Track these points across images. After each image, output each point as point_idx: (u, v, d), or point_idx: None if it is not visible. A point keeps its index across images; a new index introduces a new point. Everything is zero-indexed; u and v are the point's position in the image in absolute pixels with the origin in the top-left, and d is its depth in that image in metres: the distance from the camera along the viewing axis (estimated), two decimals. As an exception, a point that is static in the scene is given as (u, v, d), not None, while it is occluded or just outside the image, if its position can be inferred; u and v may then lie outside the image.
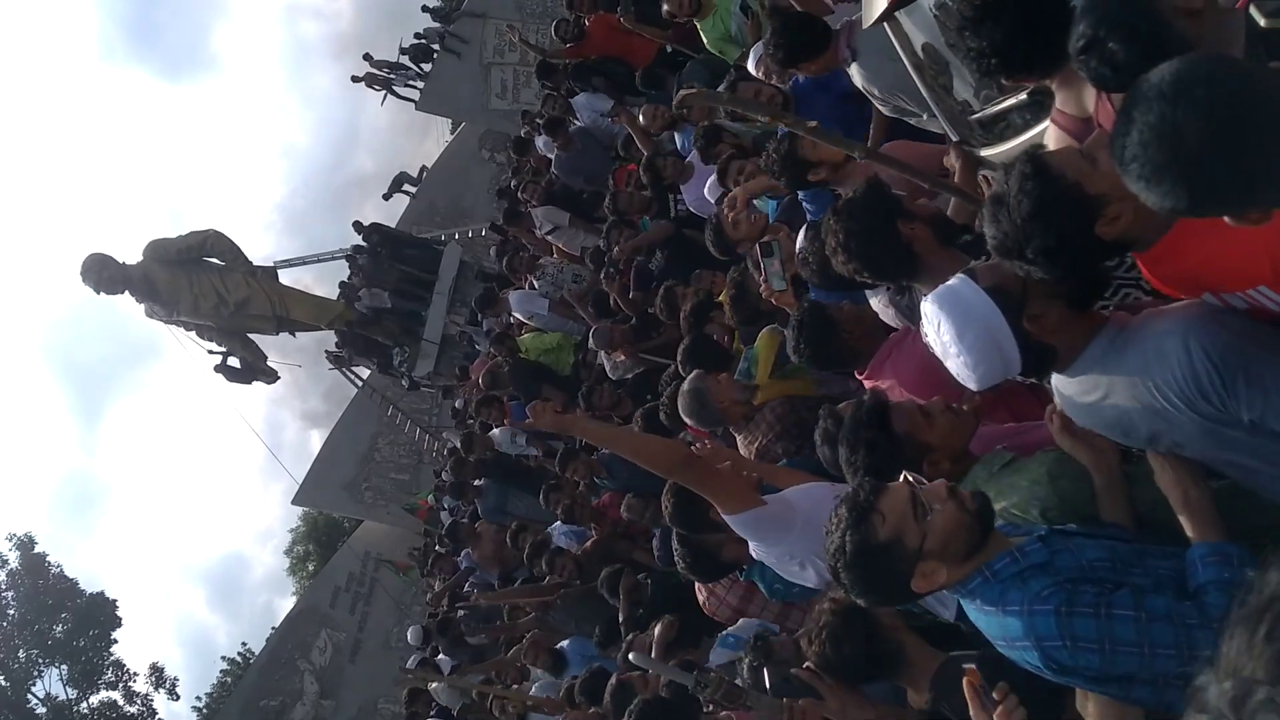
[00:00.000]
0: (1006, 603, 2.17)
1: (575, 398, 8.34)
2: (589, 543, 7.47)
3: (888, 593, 2.30)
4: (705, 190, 6.43)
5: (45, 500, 76.14)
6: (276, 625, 24.06)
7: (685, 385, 4.63)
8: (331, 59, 72.35)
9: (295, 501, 23.81)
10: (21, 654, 28.93)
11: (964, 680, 2.25)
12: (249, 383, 16.87)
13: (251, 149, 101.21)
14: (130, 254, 15.93)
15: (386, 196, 24.21)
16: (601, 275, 7.81)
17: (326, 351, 18.45)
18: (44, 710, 28.89)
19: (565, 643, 8.08)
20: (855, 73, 4.41)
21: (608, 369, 8.06)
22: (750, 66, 5.59)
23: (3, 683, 28.42)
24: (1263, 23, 1.85)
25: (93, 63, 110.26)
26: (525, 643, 8.24)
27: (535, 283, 10.15)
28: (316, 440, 26.03)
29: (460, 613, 10.45)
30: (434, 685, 10.94)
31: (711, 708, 3.75)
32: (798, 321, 3.65)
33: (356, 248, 17.82)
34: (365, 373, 19.55)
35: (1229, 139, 1.57)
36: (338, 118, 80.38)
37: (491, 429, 10.63)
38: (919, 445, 2.76)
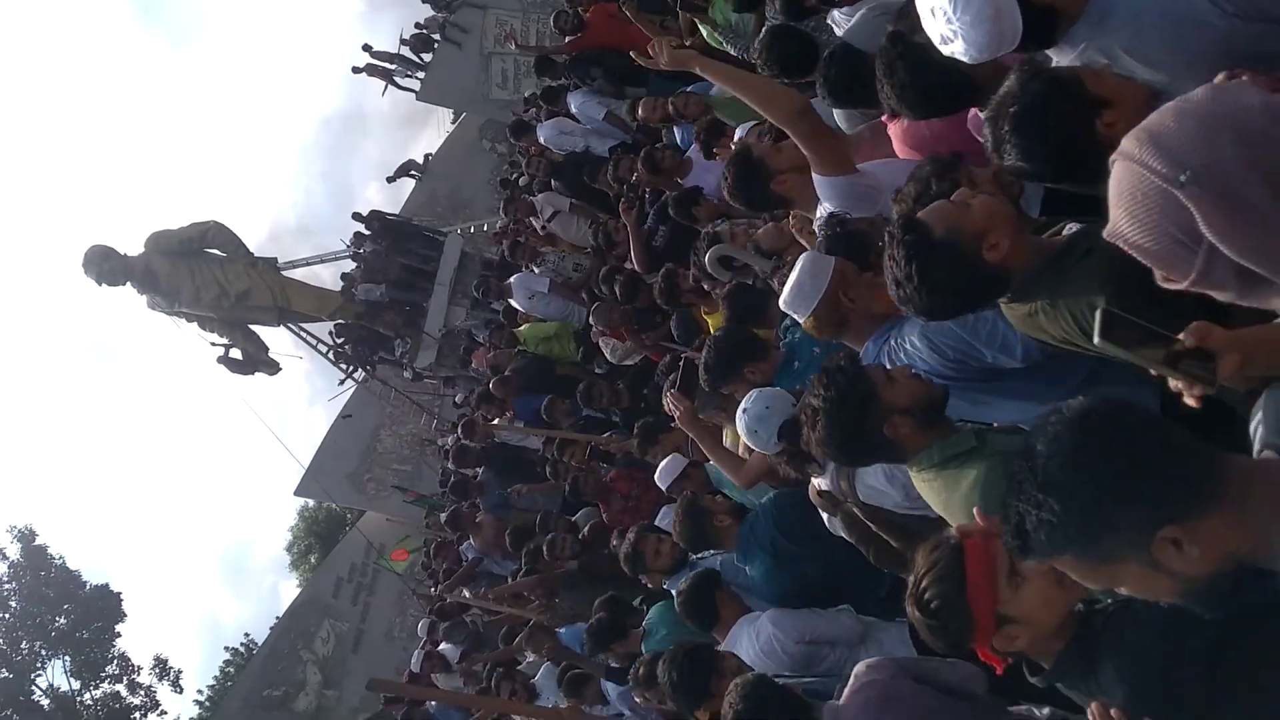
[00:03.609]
0: None
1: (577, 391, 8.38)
2: (592, 524, 7.49)
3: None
4: (708, 188, 6.41)
5: (47, 491, 76.31)
6: (281, 614, 24.18)
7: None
8: (337, 37, 72.46)
9: (298, 492, 23.92)
10: (24, 646, 28.99)
11: None
12: (251, 374, 16.90)
13: (255, 130, 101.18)
14: (131, 243, 15.97)
15: (391, 179, 24.34)
16: (620, 202, 7.60)
17: (324, 343, 18.44)
18: (47, 702, 28.97)
19: (563, 630, 8.13)
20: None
21: (605, 352, 8.06)
22: None
23: (6, 675, 28.49)
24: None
25: (101, 34, 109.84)
26: (526, 631, 8.28)
27: (535, 269, 10.18)
28: (321, 427, 26.18)
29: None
30: (437, 674, 10.99)
31: None
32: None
33: (358, 235, 17.84)
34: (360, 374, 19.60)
35: None
36: (342, 100, 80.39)
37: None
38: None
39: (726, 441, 4.80)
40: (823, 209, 3.73)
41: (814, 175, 3.63)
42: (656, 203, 7.40)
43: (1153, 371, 1.86)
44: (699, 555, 5.35)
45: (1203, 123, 1.57)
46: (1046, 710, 2.60)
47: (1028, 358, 2.74)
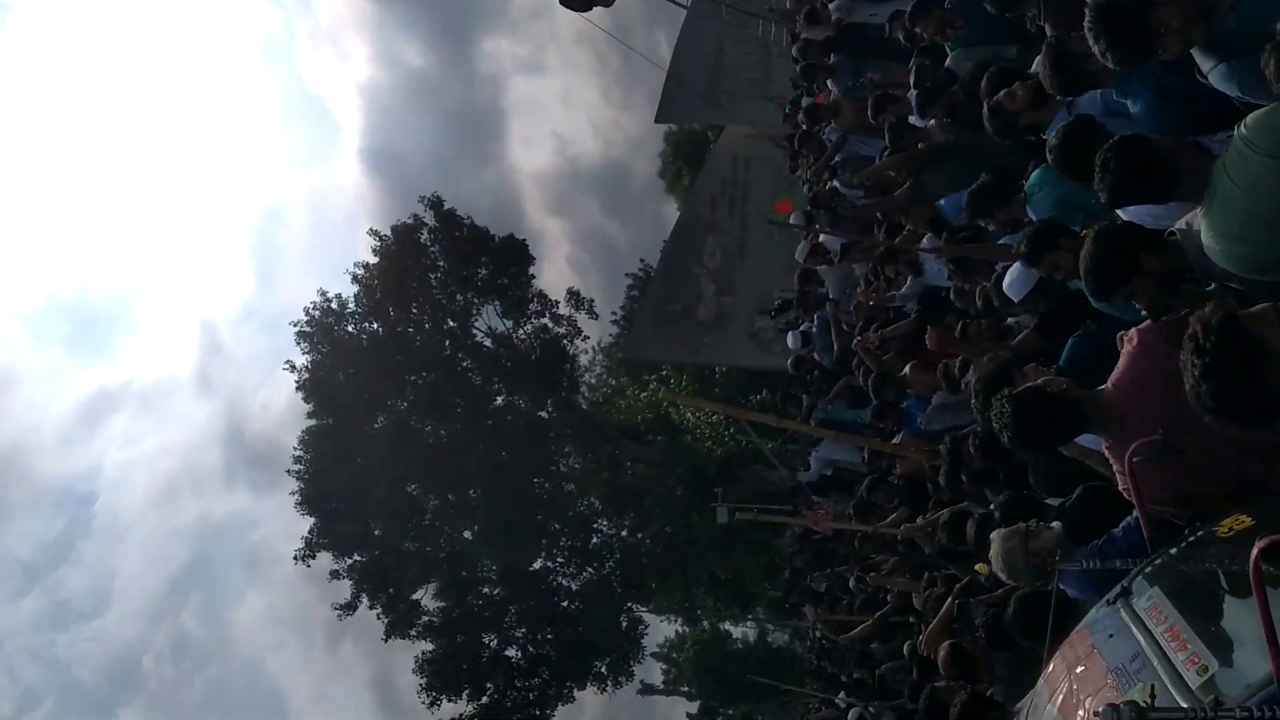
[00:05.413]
0: None
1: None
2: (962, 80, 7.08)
3: None
4: None
5: (440, 161, 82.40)
6: (667, 237, 25.68)
7: None
8: None
9: (659, 119, 24.58)
10: (458, 297, 32.86)
11: None
12: (589, 9, 16.98)
13: None
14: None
15: None
16: None
17: None
18: (489, 342, 33.18)
19: (941, 201, 8.01)
20: None
21: None
22: None
23: (451, 324, 32.73)
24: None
25: None
26: (906, 214, 8.25)
27: None
28: (665, 52, 26.25)
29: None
30: (822, 267, 11.38)
31: None
32: None
33: None
34: None
35: None
36: None
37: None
38: None
39: None
40: None
41: None
42: None
43: None
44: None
45: None
46: None
47: None
